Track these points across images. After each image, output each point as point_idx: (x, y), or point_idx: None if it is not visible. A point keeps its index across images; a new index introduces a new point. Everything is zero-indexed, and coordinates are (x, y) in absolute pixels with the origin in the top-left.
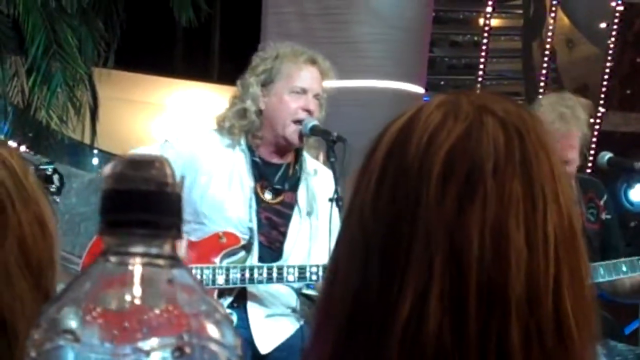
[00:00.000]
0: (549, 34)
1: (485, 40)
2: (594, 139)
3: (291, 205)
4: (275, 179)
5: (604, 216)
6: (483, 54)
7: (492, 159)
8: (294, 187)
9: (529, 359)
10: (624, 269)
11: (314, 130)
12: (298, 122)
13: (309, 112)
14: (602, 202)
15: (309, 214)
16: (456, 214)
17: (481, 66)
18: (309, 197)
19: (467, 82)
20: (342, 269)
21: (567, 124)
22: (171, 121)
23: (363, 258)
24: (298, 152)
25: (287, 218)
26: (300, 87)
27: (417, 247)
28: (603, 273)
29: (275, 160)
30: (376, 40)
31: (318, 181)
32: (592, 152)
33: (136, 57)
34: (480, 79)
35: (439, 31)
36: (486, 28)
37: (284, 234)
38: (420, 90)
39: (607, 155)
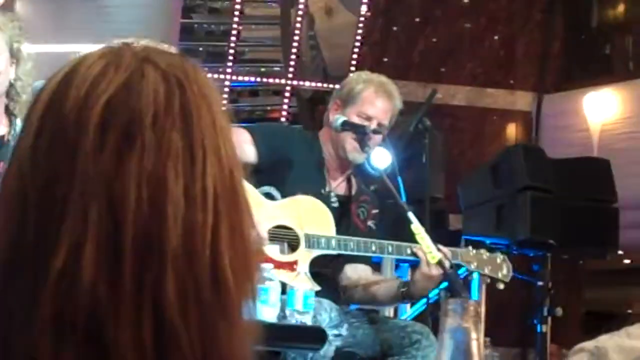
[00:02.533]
0: (307, 1)
1: (239, 7)
2: None
3: None
4: None
5: (370, 224)
6: (237, 20)
7: (151, 110)
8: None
9: (184, 311)
10: (373, 248)
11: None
12: None
13: None
14: (373, 211)
15: None
16: (114, 165)
17: (235, 32)
18: None
19: (225, 48)
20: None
21: None
22: None
23: (20, 210)
24: (10, 118)
25: None
26: None
27: (74, 198)
28: (352, 246)
29: None
30: (126, 5)
31: None
32: None
33: None
34: (235, 45)
35: None
36: None
37: None
38: None
39: (340, 119)
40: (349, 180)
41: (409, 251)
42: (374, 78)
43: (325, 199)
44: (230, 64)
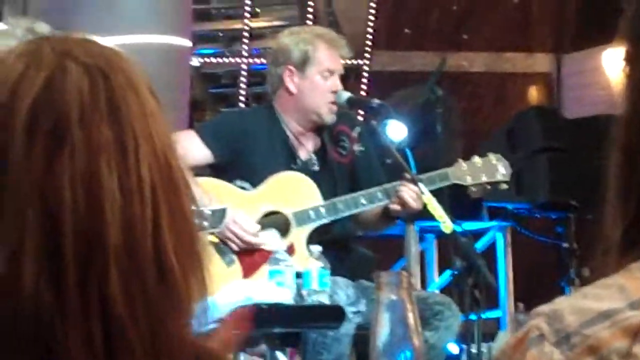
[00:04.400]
0: None
1: None
2: (365, 80)
3: None
4: None
5: (356, 148)
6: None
7: (77, 106)
8: None
9: (131, 305)
10: (363, 201)
11: None
12: None
13: None
14: (354, 134)
15: None
16: (45, 167)
17: (250, 14)
18: None
19: (244, 31)
20: None
21: None
22: None
23: None
24: None
25: None
26: None
27: (8, 204)
28: (342, 208)
29: None
30: None
31: None
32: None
33: None
34: (251, 28)
35: None
36: None
37: None
38: (186, 42)
39: (345, 95)
40: (319, 134)
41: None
42: (317, 33)
43: (303, 170)
44: (246, 47)
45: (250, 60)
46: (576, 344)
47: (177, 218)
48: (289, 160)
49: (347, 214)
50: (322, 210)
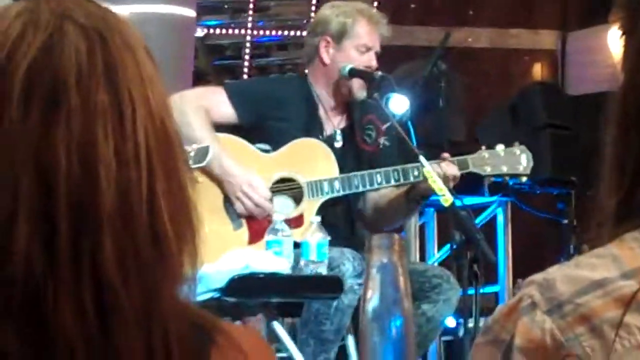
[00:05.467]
0: None
1: None
2: None
3: None
4: None
5: (382, 141)
6: None
7: (74, 70)
8: None
9: (124, 269)
10: (378, 178)
11: None
12: None
13: None
14: (384, 127)
15: None
16: (41, 131)
17: None
18: None
19: (249, 2)
20: None
21: None
22: None
23: None
24: None
25: None
26: None
27: (2, 169)
28: (357, 183)
29: None
30: None
31: None
32: None
33: None
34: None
35: None
36: None
37: None
38: (191, 13)
39: (347, 66)
40: (348, 110)
41: (416, 172)
42: (358, 8)
43: (328, 142)
44: (251, 18)
45: (255, 32)
46: (568, 313)
47: (173, 184)
48: (315, 132)
49: (361, 189)
50: (337, 184)
